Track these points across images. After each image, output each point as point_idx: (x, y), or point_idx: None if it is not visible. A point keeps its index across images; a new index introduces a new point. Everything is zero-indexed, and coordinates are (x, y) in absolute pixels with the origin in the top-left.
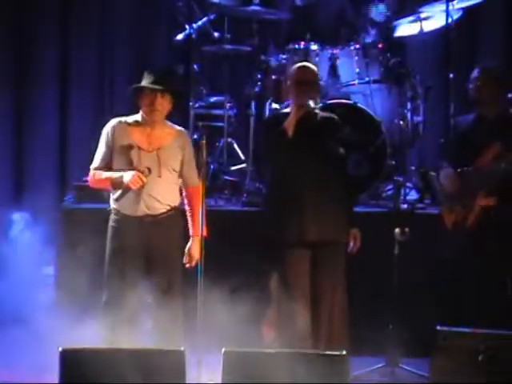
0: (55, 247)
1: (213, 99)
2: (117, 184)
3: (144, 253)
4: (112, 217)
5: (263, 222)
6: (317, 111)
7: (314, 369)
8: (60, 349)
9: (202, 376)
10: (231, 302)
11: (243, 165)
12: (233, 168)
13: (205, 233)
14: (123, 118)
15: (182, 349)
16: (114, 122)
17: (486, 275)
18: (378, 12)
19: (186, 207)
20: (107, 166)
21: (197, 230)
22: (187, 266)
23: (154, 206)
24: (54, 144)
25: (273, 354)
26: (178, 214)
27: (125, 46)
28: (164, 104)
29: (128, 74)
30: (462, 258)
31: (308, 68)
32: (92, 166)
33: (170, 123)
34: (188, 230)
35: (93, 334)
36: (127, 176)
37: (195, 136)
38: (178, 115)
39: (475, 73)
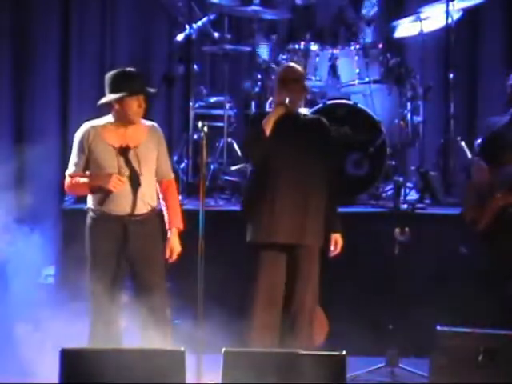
0: (55, 247)
1: (213, 99)
2: (95, 188)
3: (125, 253)
4: (91, 215)
5: (243, 222)
6: (303, 112)
7: (314, 369)
8: (60, 349)
9: (202, 376)
10: (231, 302)
11: (243, 165)
12: (233, 168)
13: (181, 226)
14: (94, 122)
15: (182, 349)
16: (86, 126)
17: (491, 274)
18: (368, 7)
19: (162, 201)
20: (83, 171)
21: (173, 222)
22: (170, 260)
23: (137, 206)
24: (55, 145)
25: (273, 353)
26: (157, 215)
27: (125, 46)
28: (144, 105)
29: None
30: (472, 256)
31: (291, 67)
32: (67, 173)
33: (141, 120)
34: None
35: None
36: (105, 180)
37: (195, 136)
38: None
39: None
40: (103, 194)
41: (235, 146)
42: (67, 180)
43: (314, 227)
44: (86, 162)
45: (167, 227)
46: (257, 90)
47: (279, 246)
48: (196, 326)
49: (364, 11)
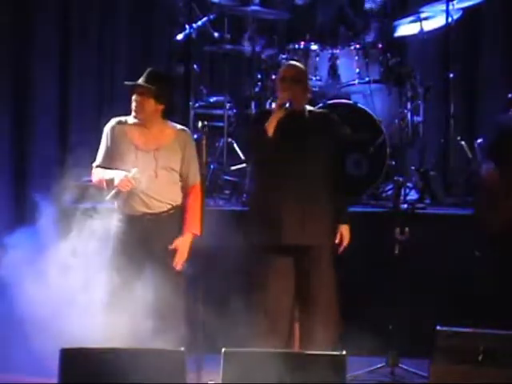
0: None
1: (213, 99)
2: (109, 185)
3: (145, 250)
4: (116, 215)
5: (246, 224)
6: (307, 109)
7: (314, 369)
8: (60, 349)
9: (201, 376)
10: (231, 302)
11: (243, 165)
12: (233, 168)
13: (198, 231)
14: (123, 118)
15: (182, 349)
16: (113, 122)
17: (500, 275)
18: (372, 1)
19: (183, 205)
20: (108, 164)
21: (189, 226)
22: (177, 267)
23: (152, 205)
24: (54, 145)
25: (273, 354)
26: (179, 211)
27: (125, 46)
28: (145, 105)
29: (128, 75)
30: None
31: (293, 66)
32: (94, 164)
33: (171, 123)
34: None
35: (93, 334)
36: (117, 178)
37: (195, 136)
38: (178, 115)
39: None
40: (115, 192)
41: (235, 146)
42: (93, 171)
43: (321, 226)
44: (110, 155)
45: (183, 230)
46: (257, 90)
47: (286, 247)
48: (196, 326)
49: (367, 6)
